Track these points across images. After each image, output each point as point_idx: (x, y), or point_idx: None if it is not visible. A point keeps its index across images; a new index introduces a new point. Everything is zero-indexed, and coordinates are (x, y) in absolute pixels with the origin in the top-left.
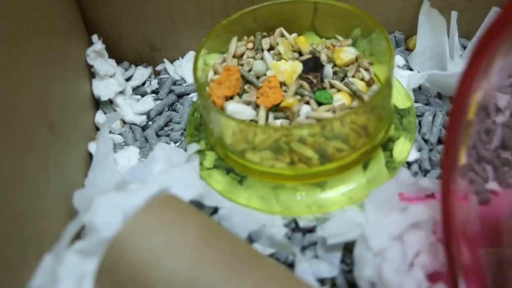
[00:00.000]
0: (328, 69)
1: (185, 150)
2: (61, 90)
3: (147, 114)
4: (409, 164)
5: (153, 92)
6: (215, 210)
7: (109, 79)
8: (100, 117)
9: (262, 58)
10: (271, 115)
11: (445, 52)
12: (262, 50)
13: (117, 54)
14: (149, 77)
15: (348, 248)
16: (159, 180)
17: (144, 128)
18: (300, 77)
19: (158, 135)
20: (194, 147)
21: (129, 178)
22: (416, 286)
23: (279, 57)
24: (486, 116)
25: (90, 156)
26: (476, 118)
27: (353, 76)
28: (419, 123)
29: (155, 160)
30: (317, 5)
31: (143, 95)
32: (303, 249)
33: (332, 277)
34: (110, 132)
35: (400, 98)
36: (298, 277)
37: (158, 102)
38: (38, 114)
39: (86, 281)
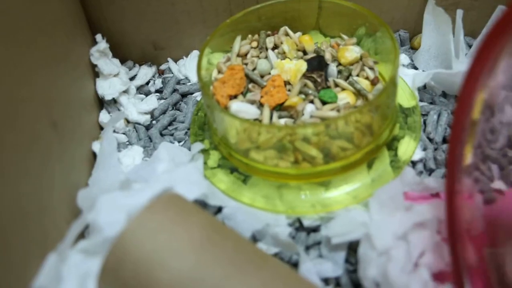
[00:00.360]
0: (333, 68)
1: (189, 150)
2: (65, 89)
3: (151, 113)
4: (414, 163)
5: (157, 91)
6: (219, 210)
7: (113, 78)
8: (104, 116)
9: (266, 57)
10: (275, 114)
11: (450, 51)
12: (266, 49)
13: (121, 53)
14: (153, 76)
15: (352, 248)
16: (163, 179)
17: (148, 127)
18: (304, 76)
19: (162, 134)
20: (198, 146)
21: (133, 177)
22: (421, 286)
23: (283, 56)
24: (492, 115)
25: (94, 155)
26: (481, 117)
27: (357, 75)
28: (424, 122)
29: (159, 159)
30: (321, 4)
31: (147, 94)
32: (307, 248)
33: (336, 277)
34: (114, 131)
35: (405, 97)
36: (302, 277)
37: (162, 101)
38: (41, 113)
39: (89, 280)
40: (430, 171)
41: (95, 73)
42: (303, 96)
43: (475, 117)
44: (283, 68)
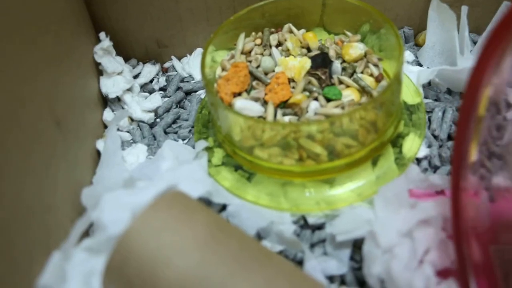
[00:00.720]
0: (337, 65)
1: (193, 147)
2: (68, 87)
3: (155, 111)
4: (418, 161)
5: (161, 89)
6: (223, 207)
7: (117, 77)
8: (108, 114)
9: (270, 54)
10: (279, 112)
11: (455, 48)
12: (270, 46)
13: (124, 51)
14: (157, 74)
15: (357, 245)
16: (167, 177)
17: (152, 125)
18: (308, 73)
19: (166, 132)
20: (202, 144)
21: (137, 176)
22: (426, 283)
23: (287, 53)
24: (497, 112)
25: (98, 153)
26: (487, 113)
27: (362, 72)
28: (429, 119)
29: (163, 157)
30: (325, 1)
31: (151, 92)
32: (312, 246)
33: (341, 274)
34: (118, 129)
35: (410, 94)
36: (307, 274)
37: (166, 99)
38: (45, 111)
39: (94, 278)
40: (435, 168)
41: (99, 71)
42: (307, 93)
43: (481, 114)
44: (287, 65)
